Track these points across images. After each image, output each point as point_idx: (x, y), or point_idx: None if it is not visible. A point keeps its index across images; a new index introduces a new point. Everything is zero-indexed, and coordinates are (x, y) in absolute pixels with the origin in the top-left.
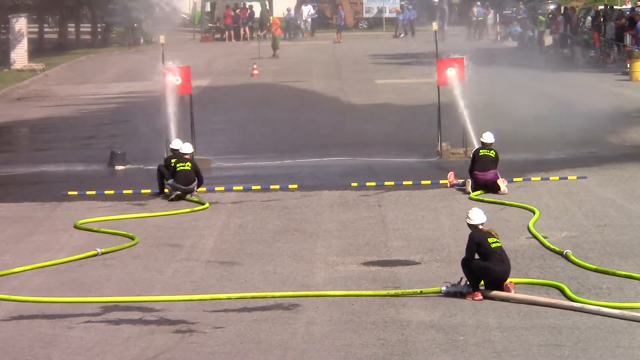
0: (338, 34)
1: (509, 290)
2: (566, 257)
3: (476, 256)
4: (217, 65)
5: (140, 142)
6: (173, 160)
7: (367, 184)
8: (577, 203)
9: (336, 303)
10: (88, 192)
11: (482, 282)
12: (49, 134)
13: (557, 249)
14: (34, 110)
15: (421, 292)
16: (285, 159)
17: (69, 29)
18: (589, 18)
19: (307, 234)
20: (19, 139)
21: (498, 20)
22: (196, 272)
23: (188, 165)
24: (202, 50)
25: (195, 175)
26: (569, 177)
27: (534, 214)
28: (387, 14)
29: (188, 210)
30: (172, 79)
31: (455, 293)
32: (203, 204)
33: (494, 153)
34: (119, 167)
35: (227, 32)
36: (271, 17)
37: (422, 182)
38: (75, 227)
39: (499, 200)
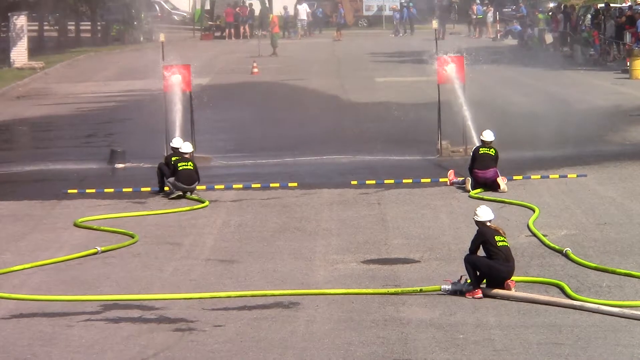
0: (338, 32)
1: (509, 288)
2: (566, 256)
3: (482, 253)
4: (217, 64)
5: (140, 140)
6: (174, 159)
7: (367, 182)
8: (576, 201)
9: (336, 301)
10: (88, 191)
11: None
12: (49, 132)
13: (557, 247)
14: (33, 109)
15: (421, 291)
16: (285, 157)
17: (69, 27)
18: (589, 16)
19: (307, 232)
20: (18, 138)
21: (498, 18)
22: (196, 270)
23: (190, 165)
24: (202, 49)
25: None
26: (569, 176)
27: (534, 212)
28: (387, 12)
29: (188, 208)
30: (172, 77)
31: (455, 291)
32: (203, 202)
33: (494, 151)
34: (119, 165)
35: (227, 30)
36: (270, 15)
37: (422, 180)
38: (75, 225)
39: (498, 199)
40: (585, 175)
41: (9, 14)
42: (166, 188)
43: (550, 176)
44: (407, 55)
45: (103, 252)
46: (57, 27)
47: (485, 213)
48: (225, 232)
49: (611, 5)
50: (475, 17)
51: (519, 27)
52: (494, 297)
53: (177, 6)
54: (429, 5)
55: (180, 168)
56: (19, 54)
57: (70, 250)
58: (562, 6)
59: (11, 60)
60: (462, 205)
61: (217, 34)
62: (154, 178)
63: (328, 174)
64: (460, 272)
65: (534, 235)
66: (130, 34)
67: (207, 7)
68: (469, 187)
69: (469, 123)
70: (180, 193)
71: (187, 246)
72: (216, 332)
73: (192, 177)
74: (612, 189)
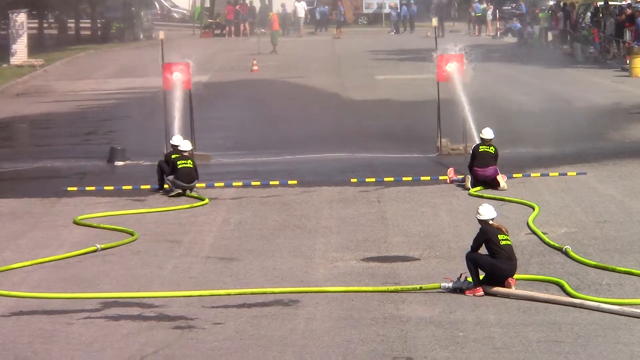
0: (337, 30)
1: (509, 286)
2: (566, 253)
3: (483, 251)
4: (217, 62)
5: (140, 138)
6: (174, 156)
7: (367, 179)
8: (576, 199)
9: (336, 299)
10: (88, 188)
11: (482, 277)
12: (49, 129)
13: (557, 245)
14: (33, 106)
15: (421, 288)
16: (285, 154)
17: (69, 25)
18: (589, 14)
19: (306, 230)
20: (18, 135)
21: (498, 16)
22: (196, 268)
23: (190, 163)
24: (202, 46)
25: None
26: (569, 173)
27: (534, 210)
28: (387, 10)
29: (187, 206)
30: (172, 75)
31: (455, 289)
32: (202, 200)
33: (494, 149)
34: (119, 163)
35: (227, 28)
36: (270, 13)
37: (422, 178)
38: (75, 222)
39: (498, 197)
40: (585, 173)
41: (9, 12)
42: (166, 186)
43: (550, 174)
44: (407, 53)
45: (103, 249)
46: (57, 25)
47: (487, 211)
48: (225, 230)
49: (610, 3)
50: (474, 14)
51: (518, 25)
52: (494, 295)
53: (177, 4)
54: (429, 3)
55: (180, 166)
56: (19, 51)
57: (70, 248)
58: (562, 4)
59: (11, 58)
60: (461, 203)
61: (217, 31)
62: (153, 176)
63: (328, 172)
64: (460, 269)
65: (534, 233)
66: (130, 32)
67: (207, 4)
68: (468, 185)
69: (469, 121)
70: (180, 191)
71: (187, 244)
72: (216, 330)
73: (191, 175)
74: (612, 187)
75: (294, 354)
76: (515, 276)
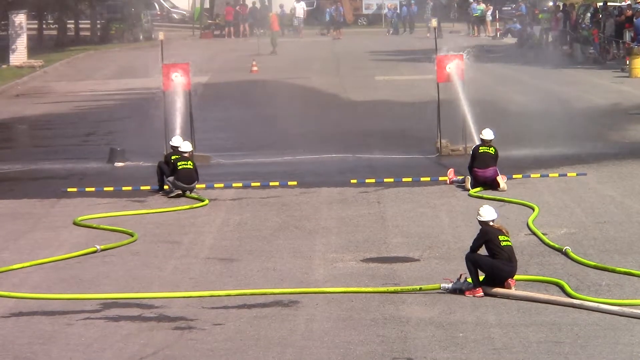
0: (337, 31)
1: (509, 287)
2: (565, 254)
3: (483, 251)
4: (216, 62)
5: (140, 139)
6: (174, 157)
7: (367, 180)
8: (576, 200)
9: (335, 300)
10: (87, 189)
11: (482, 278)
12: (48, 130)
13: (557, 245)
14: (33, 107)
15: (420, 289)
16: (285, 155)
17: (68, 26)
18: (588, 15)
19: (306, 231)
20: (18, 136)
21: (497, 16)
22: (195, 268)
23: (190, 164)
24: (201, 47)
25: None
26: (569, 174)
27: (534, 210)
28: (386, 11)
29: (187, 207)
30: (171, 76)
31: (454, 290)
32: (202, 201)
33: (494, 150)
34: (119, 164)
35: (226, 29)
36: (270, 14)
37: (422, 179)
38: (75, 223)
39: (498, 197)
40: (585, 174)
41: (9, 13)
42: (165, 187)
43: (550, 175)
44: (406, 54)
45: (102, 250)
46: (57, 26)
47: (488, 213)
48: (225, 231)
49: (609, 4)
50: (473, 15)
51: (518, 26)
52: (494, 295)
53: (177, 5)
54: (424, 3)
55: (180, 167)
56: (18, 52)
57: (69, 249)
58: (562, 5)
59: (10, 59)
60: (461, 204)
61: (217, 32)
62: (153, 177)
63: (328, 173)
64: (459, 270)
65: (534, 234)
66: (129, 33)
67: (207, 5)
68: (468, 185)
69: (469, 121)
70: (180, 192)
71: (187, 245)
72: (216, 331)
73: (191, 177)
74: (612, 188)
75: (294, 354)
76: (515, 277)
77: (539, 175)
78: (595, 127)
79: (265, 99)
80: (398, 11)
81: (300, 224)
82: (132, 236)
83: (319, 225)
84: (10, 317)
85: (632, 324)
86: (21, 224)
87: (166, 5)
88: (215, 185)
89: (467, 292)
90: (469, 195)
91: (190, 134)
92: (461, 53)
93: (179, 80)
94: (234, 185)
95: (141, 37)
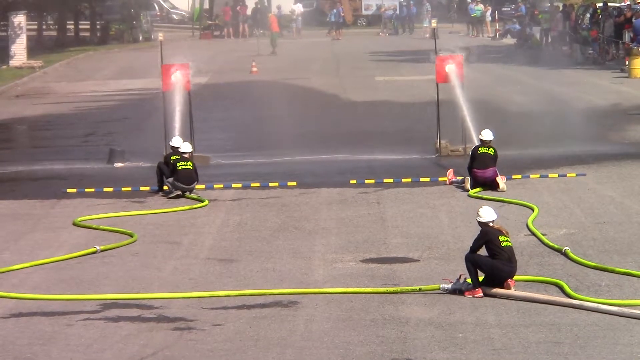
0: (337, 31)
1: (509, 288)
2: (565, 255)
3: (482, 252)
4: (216, 63)
5: (140, 140)
6: (174, 158)
7: (366, 181)
8: (576, 200)
9: (335, 300)
10: (87, 190)
11: (481, 279)
12: (48, 131)
13: (556, 246)
14: (32, 108)
15: (420, 290)
16: (284, 156)
17: (68, 26)
18: (588, 15)
19: (306, 232)
20: (17, 137)
21: (497, 17)
22: (195, 269)
23: (190, 165)
24: (201, 48)
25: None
26: (568, 175)
27: (533, 211)
28: (384, 12)
29: (187, 207)
30: (171, 76)
31: (454, 290)
32: (202, 202)
33: (493, 150)
34: (118, 165)
35: (225, 30)
36: (269, 15)
37: (421, 179)
38: (74, 224)
39: (497, 198)
40: (585, 174)
41: (8, 13)
42: (165, 187)
43: (550, 175)
44: (406, 54)
45: (102, 251)
46: (56, 26)
47: (487, 214)
48: (225, 231)
49: (609, 4)
50: (472, 16)
51: (517, 26)
52: (494, 296)
53: (176, 5)
54: (420, 3)
55: (180, 168)
56: (18, 53)
57: (69, 250)
58: (561, 5)
59: (10, 59)
60: (461, 204)
61: (216, 33)
62: (153, 177)
63: (327, 173)
64: (459, 271)
65: (533, 234)
66: (129, 33)
67: (206, 6)
68: (468, 186)
69: (468, 122)
70: (179, 192)
71: (186, 245)
72: (215, 331)
73: (191, 177)
74: (611, 188)
75: (294, 355)
76: (515, 277)
77: (538, 175)
78: (595, 127)
79: (265, 99)
80: (397, 12)
81: (300, 225)
82: (132, 237)
83: (318, 225)
84: (10, 318)
85: (632, 325)
86: (21, 224)
87: (166, 6)
88: (215, 186)
89: (466, 293)
90: (469, 195)
91: (189, 134)
92: (460, 54)
93: (178, 80)
94: (233, 185)
95: (141, 37)
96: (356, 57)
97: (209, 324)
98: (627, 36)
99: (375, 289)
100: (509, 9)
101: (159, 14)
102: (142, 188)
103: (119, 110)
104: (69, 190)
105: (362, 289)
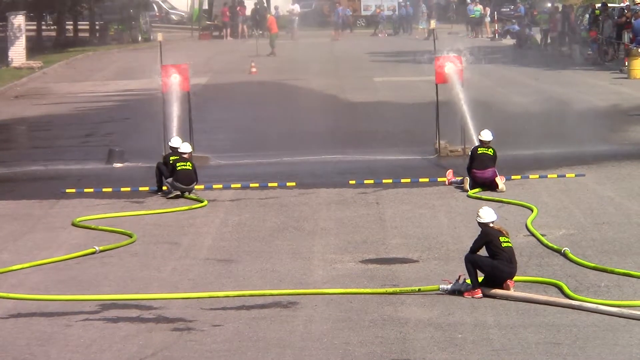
0: (336, 32)
1: (508, 288)
2: (564, 255)
3: (482, 252)
4: (215, 63)
5: (139, 140)
6: (173, 158)
7: (365, 181)
8: (575, 201)
9: (334, 301)
10: (86, 190)
11: (481, 279)
12: (47, 131)
13: (555, 246)
14: (32, 108)
15: (419, 290)
16: (284, 156)
17: (67, 27)
18: (587, 16)
19: (305, 232)
20: (17, 137)
21: (496, 17)
22: (194, 270)
23: (189, 165)
24: (200, 48)
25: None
26: (567, 175)
27: (532, 211)
28: (386, 12)
29: (186, 208)
30: (170, 77)
31: (453, 291)
32: (201, 202)
33: (492, 151)
34: (117, 165)
35: (224, 30)
36: (268, 15)
37: (421, 180)
38: (73, 224)
39: (497, 198)
40: (584, 175)
41: (7, 14)
42: (164, 187)
43: (549, 176)
44: (405, 55)
45: (101, 251)
46: (55, 27)
47: (487, 214)
48: (224, 232)
49: (609, 5)
50: (471, 16)
51: (517, 27)
52: (493, 296)
53: (175, 6)
54: (417, 4)
55: (179, 168)
56: (17, 53)
57: (68, 250)
58: (561, 6)
59: (9, 60)
60: (460, 205)
61: (216, 33)
62: (152, 177)
63: (326, 174)
64: (458, 271)
65: (533, 235)
66: (128, 34)
67: (205, 6)
68: (467, 186)
69: (468, 123)
70: (179, 193)
71: (186, 246)
72: (214, 332)
73: (190, 177)
74: (611, 189)
75: (293, 355)
76: (514, 278)
77: (537, 176)
78: (594, 128)
79: (264, 100)
80: (397, 12)
81: (299, 225)
82: (131, 237)
83: (317, 226)
84: (9, 319)
85: (631, 325)
86: (20, 224)
87: (165, 6)
88: (214, 186)
89: (465, 293)
90: (468, 196)
91: (189, 134)
92: (459, 54)
93: (177, 81)
94: (232, 186)
95: (140, 38)
96: (355, 58)
97: (208, 325)
98: (626, 37)
99: (374, 290)
100: (508, 9)
101: (158, 14)
102: (141, 188)
103: (118, 110)
104: (68, 190)
105: (362, 290)
